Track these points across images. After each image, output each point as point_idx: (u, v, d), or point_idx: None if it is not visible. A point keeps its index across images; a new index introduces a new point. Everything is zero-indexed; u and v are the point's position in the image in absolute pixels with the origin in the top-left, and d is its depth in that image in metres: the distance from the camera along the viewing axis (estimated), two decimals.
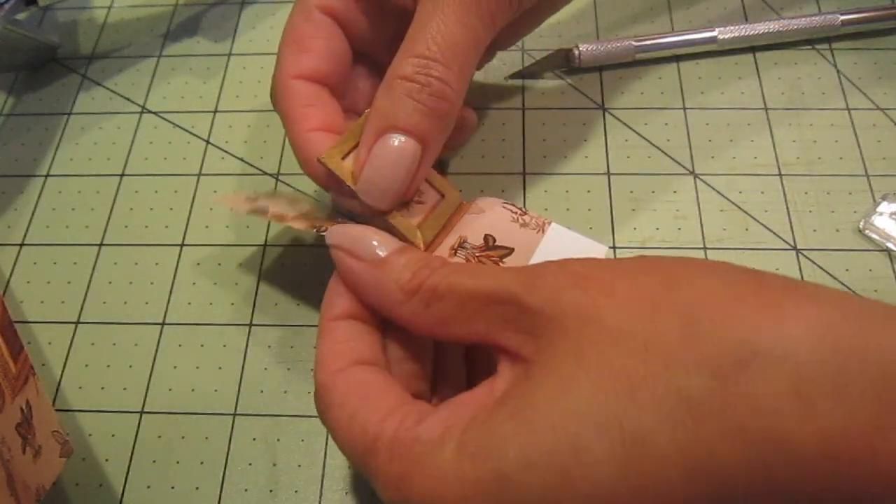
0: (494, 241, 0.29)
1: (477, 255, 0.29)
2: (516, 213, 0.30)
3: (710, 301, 0.20)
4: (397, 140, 0.26)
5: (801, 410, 0.18)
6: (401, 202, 0.28)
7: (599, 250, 0.29)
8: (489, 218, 0.30)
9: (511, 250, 0.29)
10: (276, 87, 0.30)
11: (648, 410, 0.19)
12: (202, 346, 0.33)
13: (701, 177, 0.36)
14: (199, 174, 0.38)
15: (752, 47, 0.40)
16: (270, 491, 0.30)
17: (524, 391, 0.21)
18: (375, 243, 0.25)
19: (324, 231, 0.27)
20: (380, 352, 0.25)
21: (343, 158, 0.28)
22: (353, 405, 0.23)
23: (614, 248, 0.34)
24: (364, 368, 0.24)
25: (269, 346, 0.33)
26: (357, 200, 0.27)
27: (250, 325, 0.33)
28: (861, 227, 0.34)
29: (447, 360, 0.27)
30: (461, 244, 0.29)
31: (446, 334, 0.24)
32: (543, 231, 0.29)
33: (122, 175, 0.38)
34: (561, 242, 0.29)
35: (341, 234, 0.26)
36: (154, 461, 0.31)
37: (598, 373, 0.20)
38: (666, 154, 0.37)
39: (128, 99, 0.41)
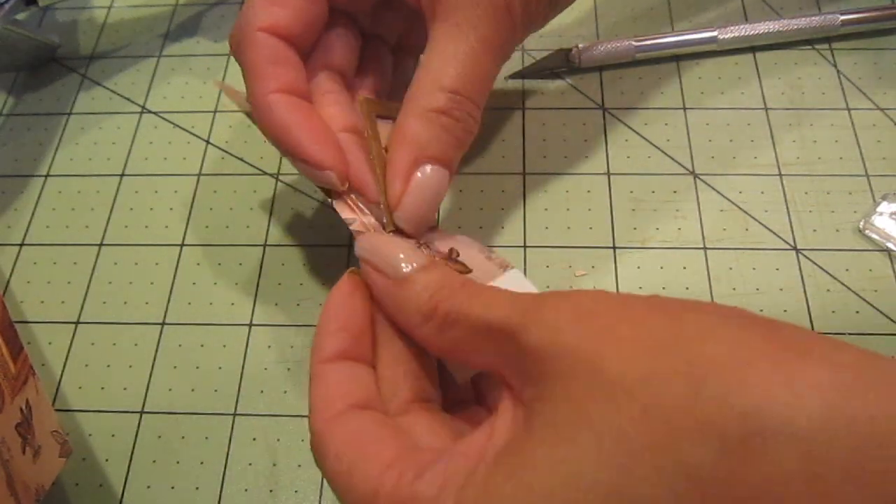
0: (458, 255, 0.29)
1: (437, 259, 0.28)
2: (485, 248, 0.29)
3: (718, 361, 0.18)
4: (432, 170, 0.27)
5: (813, 497, 0.16)
6: (430, 224, 0.28)
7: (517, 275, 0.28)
8: (459, 240, 0.29)
9: (470, 271, 0.28)
10: (242, 36, 0.28)
11: (650, 482, 0.17)
12: (202, 346, 0.33)
13: (701, 177, 0.36)
14: (199, 174, 0.38)
15: (752, 47, 0.40)
16: (270, 491, 0.30)
17: (523, 447, 0.20)
18: (402, 256, 0.24)
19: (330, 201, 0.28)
20: (374, 391, 0.25)
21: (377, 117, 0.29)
22: (350, 458, 0.22)
23: (614, 248, 0.34)
24: (359, 415, 0.23)
25: (269, 346, 0.33)
26: (329, 174, 0.27)
27: (250, 325, 0.33)
28: (861, 227, 0.34)
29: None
30: (427, 243, 0.28)
31: (460, 360, 0.24)
32: (504, 271, 0.28)
33: (122, 175, 0.38)
34: (514, 287, 0.27)
35: (369, 247, 0.25)
36: (154, 461, 0.31)
37: (597, 435, 0.19)
38: (666, 154, 0.37)
39: (128, 99, 0.41)
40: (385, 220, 0.28)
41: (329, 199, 0.29)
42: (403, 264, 0.24)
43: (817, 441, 0.16)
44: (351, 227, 0.28)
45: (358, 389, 0.24)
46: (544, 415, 0.20)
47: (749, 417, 0.17)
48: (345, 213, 0.28)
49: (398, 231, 0.28)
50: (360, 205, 0.29)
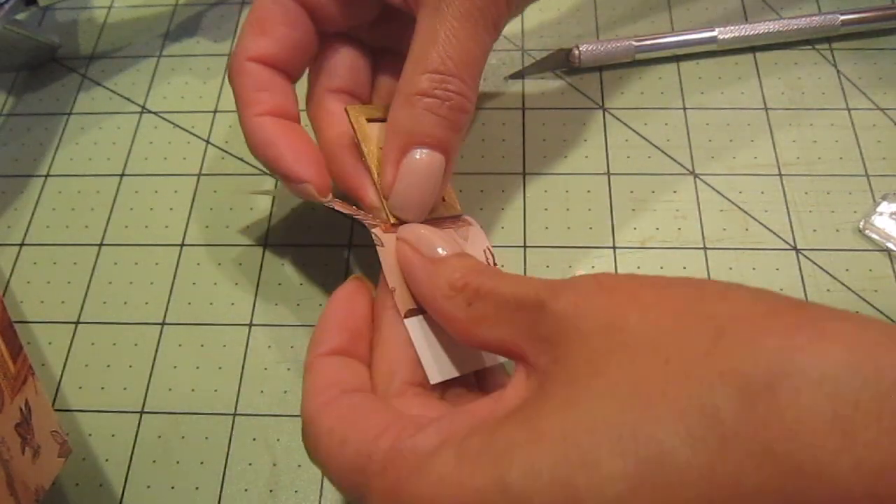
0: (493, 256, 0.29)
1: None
2: (489, 261, 0.29)
3: (741, 314, 0.18)
4: (423, 154, 0.27)
5: (841, 440, 0.16)
6: (430, 211, 0.28)
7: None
8: (465, 247, 0.29)
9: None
10: (232, 66, 0.30)
11: (667, 426, 0.17)
12: (202, 346, 0.33)
13: (701, 177, 0.36)
14: (199, 174, 0.38)
15: (752, 47, 0.40)
16: (270, 491, 0.30)
17: (536, 402, 0.20)
18: (439, 241, 0.26)
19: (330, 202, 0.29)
20: (368, 382, 0.25)
21: (368, 121, 0.29)
22: (343, 430, 0.22)
23: (614, 248, 0.34)
24: (352, 394, 0.24)
25: (269, 346, 0.33)
26: (307, 186, 0.29)
27: (250, 325, 0.33)
28: (861, 227, 0.34)
29: None
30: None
31: (478, 335, 0.24)
32: (467, 227, 0.29)
33: (122, 175, 0.38)
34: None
35: (411, 231, 0.27)
36: (154, 461, 0.31)
37: (614, 384, 0.19)
38: (666, 154, 0.37)
39: (128, 99, 0.41)
40: (383, 217, 0.28)
41: (330, 204, 0.29)
42: (439, 248, 0.25)
43: (845, 387, 0.16)
44: (358, 218, 0.28)
45: (352, 378, 0.25)
46: (562, 374, 0.20)
47: (773, 363, 0.17)
48: (345, 210, 0.29)
49: (399, 223, 0.28)
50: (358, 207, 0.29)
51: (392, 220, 0.28)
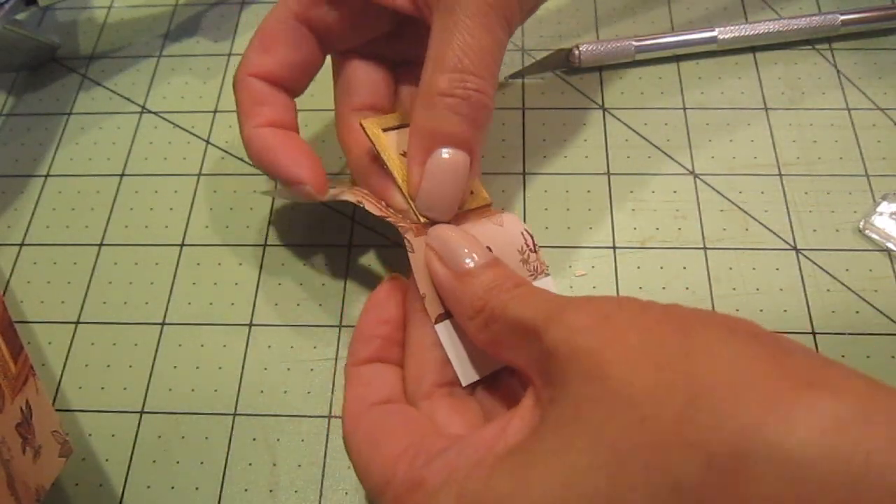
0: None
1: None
2: (527, 247, 0.29)
3: (720, 379, 0.18)
4: (448, 154, 0.27)
5: None
6: (456, 209, 0.28)
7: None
8: (501, 235, 0.29)
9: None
10: (236, 80, 0.32)
11: (637, 493, 0.18)
12: (202, 346, 0.33)
13: (701, 177, 0.36)
14: (199, 174, 0.38)
15: (752, 47, 0.40)
16: (270, 491, 0.30)
17: (529, 448, 0.21)
18: (466, 251, 0.25)
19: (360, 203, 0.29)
20: (399, 387, 0.26)
21: (384, 131, 0.29)
22: (369, 451, 0.24)
23: (614, 248, 0.34)
24: (379, 410, 0.25)
25: (269, 346, 0.33)
26: (305, 187, 0.30)
27: (250, 325, 0.33)
28: (861, 227, 0.34)
29: None
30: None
31: (500, 357, 0.25)
32: (536, 277, 0.29)
33: (122, 175, 0.38)
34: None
35: (438, 237, 0.26)
36: (154, 461, 0.31)
37: (593, 442, 0.19)
38: (666, 154, 0.37)
39: (128, 99, 0.41)
40: (413, 218, 0.28)
41: (360, 204, 0.29)
42: (467, 259, 0.25)
43: (809, 467, 0.16)
44: (389, 220, 0.29)
45: (383, 387, 0.26)
46: (553, 418, 0.20)
47: (739, 438, 0.17)
48: (376, 210, 0.29)
49: (430, 223, 0.28)
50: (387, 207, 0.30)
51: (422, 220, 0.28)
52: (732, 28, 0.39)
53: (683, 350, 0.19)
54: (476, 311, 0.24)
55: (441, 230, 0.27)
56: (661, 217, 0.35)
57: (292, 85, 0.32)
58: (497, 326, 0.24)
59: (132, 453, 0.31)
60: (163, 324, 0.34)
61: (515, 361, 0.24)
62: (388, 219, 0.29)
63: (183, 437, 0.31)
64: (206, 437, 0.31)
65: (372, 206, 0.29)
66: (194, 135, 0.39)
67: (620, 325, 0.20)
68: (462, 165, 0.28)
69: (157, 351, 0.33)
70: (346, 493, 0.29)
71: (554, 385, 0.21)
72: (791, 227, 0.34)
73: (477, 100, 0.27)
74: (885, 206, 0.34)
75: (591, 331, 0.21)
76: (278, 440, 0.31)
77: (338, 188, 0.31)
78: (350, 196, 0.29)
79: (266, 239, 0.35)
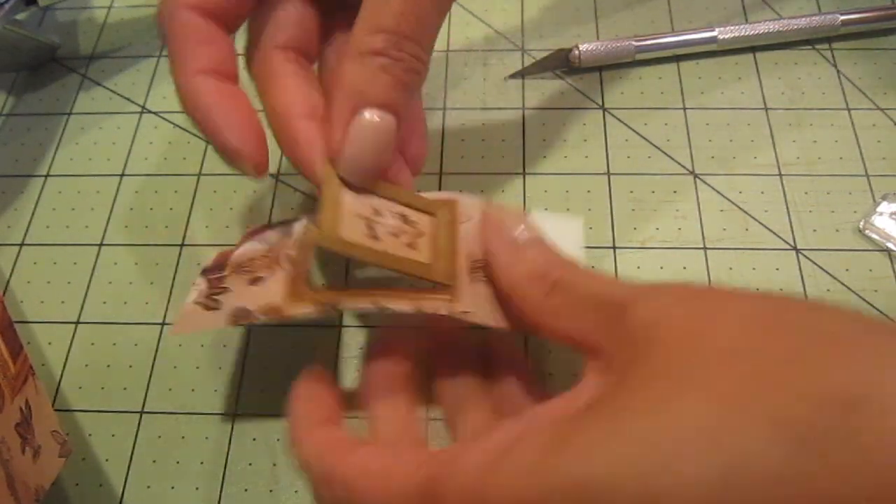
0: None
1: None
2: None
3: (833, 328, 0.18)
4: (374, 116, 0.26)
5: None
6: (379, 176, 0.27)
7: (576, 224, 0.30)
8: (480, 224, 0.29)
9: None
10: (168, 13, 0.27)
11: (752, 435, 0.17)
12: (202, 346, 0.33)
13: (701, 177, 0.36)
14: (199, 174, 0.38)
15: (752, 47, 0.40)
16: (270, 491, 0.30)
17: (617, 401, 0.20)
18: (522, 227, 0.27)
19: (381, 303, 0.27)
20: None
21: (338, 231, 0.26)
22: (371, 491, 0.23)
23: (614, 247, 0.34)
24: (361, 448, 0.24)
25: (270, 347, 0.33)
26: (244, 162, 0.27)
27: (250, 325, 0.33)
28: (861, 227, 0.34)
29: None
30: (474, 265, 0.28)
31: (552, 326, 0.25)
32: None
33: (122, 175, 0.38)
34: (544, 227, 0.28)
35: (494, 212, 0.28)
36: (154, 461, 0.31)
37: (700, 391, 0.18)
38: (666, 154, 0.37)
39: (128, 99, 0.41)
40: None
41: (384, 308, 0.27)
42: (522, 233, 0.27)
43: None
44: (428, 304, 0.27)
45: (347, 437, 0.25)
46: (641, 375, 0.20)
47: (854, 385, 0.17)
48: (408, 307, 0.27)
49: (346, 185, 0.27)
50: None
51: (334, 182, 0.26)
52: (732, 28, 0.39)
53: (788, 309, 0.20)
54: (535, 279, 0.25)
55: (498, 209, 0.28)
56: (661, 217, 0.35)
57: (232, 19, 0.28)
58: (561, 296, 0.24)
59: (132, 453, 0.31)
60: (163, 324, 0.34)
61: (574, 328, 0.24)
62: (423, 305, 0.27)
63: (183, 437, 0.31)
64: (206, 437, 0.31)
65: (398, 303, 0.27)
66: (194, 135, 0.39)
67: (716, 297, 0.21)
68: (390, 129, 0.26)
69: (157, 351, 0.33)
70: None
71: (638, 347, 0.21)
72: (791, 227, 0.34)
73: (411, 64, 0.26)
74: (885, 206, 0.34)
75: (687, 301, 0.21)
76: (278, 440, 0.31)
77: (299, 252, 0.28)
78: (366, 302, 0.27)
79: None
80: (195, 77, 0.27)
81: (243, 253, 0.28)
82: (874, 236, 0.34)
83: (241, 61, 0.29)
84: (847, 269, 0.33)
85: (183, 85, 0.27)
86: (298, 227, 0.29)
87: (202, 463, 0.30)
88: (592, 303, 0.23)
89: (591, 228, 0.35)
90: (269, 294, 0.27)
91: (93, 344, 0.33)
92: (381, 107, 0.26)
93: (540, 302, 0.25)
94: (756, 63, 0.40)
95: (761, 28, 0.39)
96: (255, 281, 0.27)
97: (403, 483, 0.22)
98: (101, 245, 0.36)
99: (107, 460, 0.31)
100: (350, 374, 0.32)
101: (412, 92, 0.27)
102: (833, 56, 0.40)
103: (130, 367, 0.33)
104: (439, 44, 0.36)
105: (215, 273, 0.28)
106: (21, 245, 0.36)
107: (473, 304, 0.27)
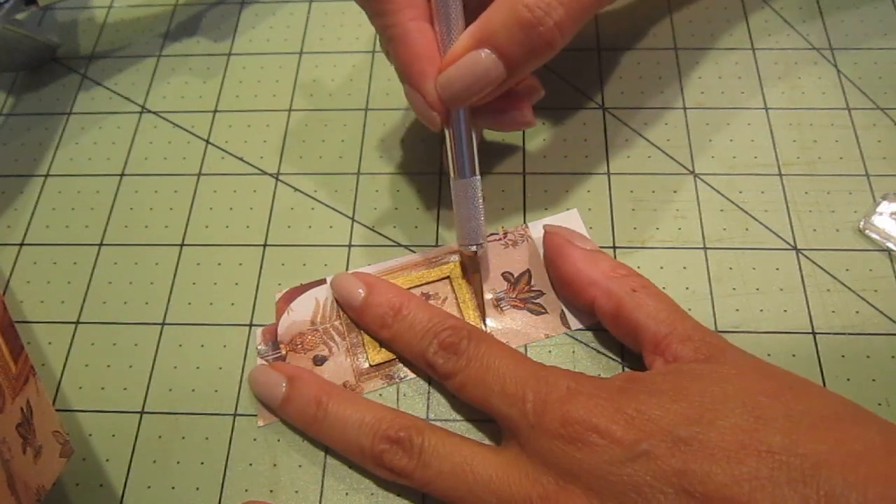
0: (512, 274, 0.33)
1: (514, 296, 0.33)
2: (499, 237, 0.34)
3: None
4: (489, 58, 0.28)
5: None
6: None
7: (574, 215, 0.35)
8: (488, 257, 0.33)
9: (528, 270, 0.33)
10: None
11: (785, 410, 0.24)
12: (202, 346, 0.33)
13: (701, 177, 0.36)
14: (199, 174, 0.38)
15: (752, 47, 0.40)
16: (270, 491, 0.30)
17: (682, 368, 0.27)
18: (585, 237, 0.33)
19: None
20: None
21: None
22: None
23: (614, 247, 0.34)
24: None
25: None
26: (434, 115, 0.29)
27: (250, 325, 0.33)
28: (861, 226, 0.34)
29: None
30: (497, 298, 0.33)
31: (630, 315, 0.29)
32: (526, 236, 0.34)
33: (122, 175, 0.38)
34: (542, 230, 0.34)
35: (558, 231, 0.33)
36: (154, 461, 0.31)
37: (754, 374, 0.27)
38: (666, 154, 0.37)
39: (128, 99, 0.41)
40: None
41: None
42: (587, 244, 0.33)
43: None
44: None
45: None
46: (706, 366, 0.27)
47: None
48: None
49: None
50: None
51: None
52: None
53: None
54: (619, 275, 0.30)
55: (555, 227, 0.34)
56: (661, 217, 0.35)
57: None
58: (647, 296, 0.29)
59: (132, 453, 0.31)
60: (163, 324, 0.34)
61: (649, 326, 0.29)
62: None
63: (183, 438, 0.31)
64: (206, 438, 0.31)
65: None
66: (194, 135, 0.39)
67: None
68: (494, 77, 0.28)
69: (157, 351, 0.33)
70: (347, 494, 0.29)
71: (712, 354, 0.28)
72: (791, 226, 0.34)
73: (548, 33, 0.27)
74: (885, 206, 0.34)
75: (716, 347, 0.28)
76: (278, 440, 0.31)
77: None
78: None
79: (266, 239, 0.35)
80: (410, 23, 0.29)
81: (288, 330, 0.33)
82: (874, 236, 0.34)
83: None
84: (847, 269, 0.33)
85: (397, 29, 0.29)
86: (327, 293, 0.34)
87: (202, 463, 0.30)
88: (672, 306, 0.29)
89: (591, 228, 0.35)
90: (340, 373, 0.32)
91: (93, 344, 0.33)
92: (501, 55, 0.27)
93: (626, 294, 0.29)
94: (756, 63, 0.40)
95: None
96: (318, 359, 0.32)
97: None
98: (101, 245, 0.36)
99: (107, 460, 0.31)
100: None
101: (538, 59, 0.28)
102: (833, 56, 0.40)
103: (130, 367, 0.33)
104: None
105: (272, 353, 0.32)
106: (21, 245, 0.36)
107: (504, 334, 0.32)
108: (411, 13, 0.29)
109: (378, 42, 0.40)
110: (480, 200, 0.31)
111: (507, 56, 0.27)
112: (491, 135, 0.38)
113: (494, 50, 0.27)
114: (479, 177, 0.31)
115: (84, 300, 0.35)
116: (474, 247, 0.32)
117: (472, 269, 0.33)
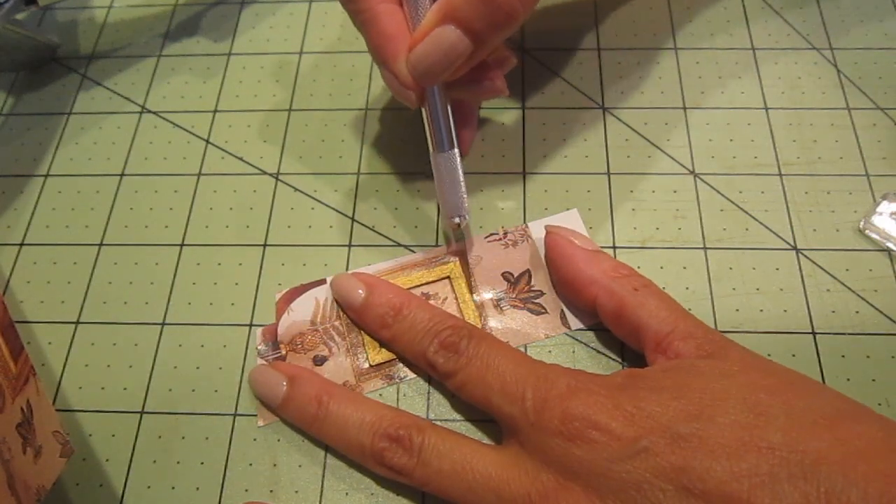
0: (512, 274, 0.33)
1: (514, 296, 0.33)
2: (499, 237, 0.34)
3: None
4: (454, 33, 0.28)
5: None
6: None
7: (573, 215, 0.35)
8: (488, 257, 0.34)
9: (528, 270, 0.33)
10: None
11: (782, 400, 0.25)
12: (202, 346, 0.33)
13: (701, 177, 0.36)
14: (199, 174, 0.38)
15: (752, 47, 0.40)
16: (270, 491, 0.30)
17: (686, 364, 0.27)
18: (586, 237, 0.33)
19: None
20: None
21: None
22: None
23: (614, 247, 0.34)
24: None
25: None
26: (410, 93, 0.30)
27: (250, 325, 0.33)
28: (861, 226, 0.34)
29: None
30: (497, 298, 0.33)
31: (632, 315, 0.29)
32: (527, 236, 0.34)
33: (122, 175, 0.38)
34: (543, 230, 0.34)
35: (559, 231, 0.33)
36: (154, 461, 0.31)
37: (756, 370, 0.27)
38: (666, 154, 0.37)
39: (128, 99, 0.41)
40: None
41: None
42: (591, 245, 0.33)
43: None
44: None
45: None
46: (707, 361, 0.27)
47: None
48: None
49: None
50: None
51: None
52: None
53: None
54: (621, 274, 0.31)
55: (558, 227, 0.34)
56: (661, 217, 0.35)
57: None
58: (647, 294, 0.30)
59: (132, 453, 0.31)
60: (163, 324, 0.34)
61: (651, 325, 0.29)
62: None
63: (183, 438, 0.31)
64: (206, 437, 0.31)
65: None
66: (194, 135, 0.39)
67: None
68: (462, 52, 0.28)
69: (157, 351, 0.33)
70: (347, 494, 0.29)
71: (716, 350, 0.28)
72: (791, 226, 0.34)
73: (510, 8, 0.28)
74: (885, 206, 0.34)
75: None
76: (278, 440, 0.31)
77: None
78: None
79: (266, 239, 0.35)
80: (380, 6, 0.30)
81: (288, 330, 0.33)
82: (874, 236, 0.34)
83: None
84: (847, 269, 0.33)
85: (367, 11, 0.31)
86: (327, 293, 0.34)
87: (202, 463, 0.30)
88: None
89: (591, 228, 0.35)
90: (340, 373, 0.32)
91: (93, 344, 0.33)
92: (466, 31, 0.28)
93: (628, 293, 0.30)
94: (756, 63, 0.40)
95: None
96: (318, 359, 0.32)
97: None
98: (101, 245, 0.36)
99: (107, 460, 0.31)
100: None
101: (502, 32, 0.29)
102: (833, 56, 0.40)
103: (130, 367, 0.33)
104: None
105: (272, 353, 0.32)
106: (21, 245, 0.36)
107: (504, 334, 0.32)
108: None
109: None
110: (461, 173, 0.32)
111: (471, 30, 0.28)
112: (491, 135, 0.38)
113: (459, 25, 0.28)
114: (457, 150, 0.32)
115: (84, 300, 0.35)
116: (457, 218, 0.32)
117: (458, 238, 0.34)
